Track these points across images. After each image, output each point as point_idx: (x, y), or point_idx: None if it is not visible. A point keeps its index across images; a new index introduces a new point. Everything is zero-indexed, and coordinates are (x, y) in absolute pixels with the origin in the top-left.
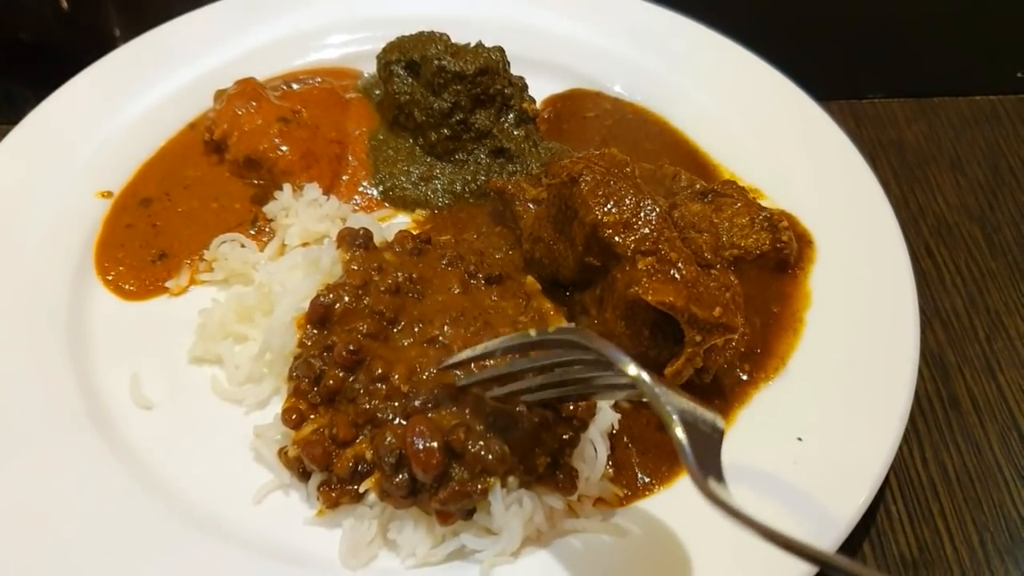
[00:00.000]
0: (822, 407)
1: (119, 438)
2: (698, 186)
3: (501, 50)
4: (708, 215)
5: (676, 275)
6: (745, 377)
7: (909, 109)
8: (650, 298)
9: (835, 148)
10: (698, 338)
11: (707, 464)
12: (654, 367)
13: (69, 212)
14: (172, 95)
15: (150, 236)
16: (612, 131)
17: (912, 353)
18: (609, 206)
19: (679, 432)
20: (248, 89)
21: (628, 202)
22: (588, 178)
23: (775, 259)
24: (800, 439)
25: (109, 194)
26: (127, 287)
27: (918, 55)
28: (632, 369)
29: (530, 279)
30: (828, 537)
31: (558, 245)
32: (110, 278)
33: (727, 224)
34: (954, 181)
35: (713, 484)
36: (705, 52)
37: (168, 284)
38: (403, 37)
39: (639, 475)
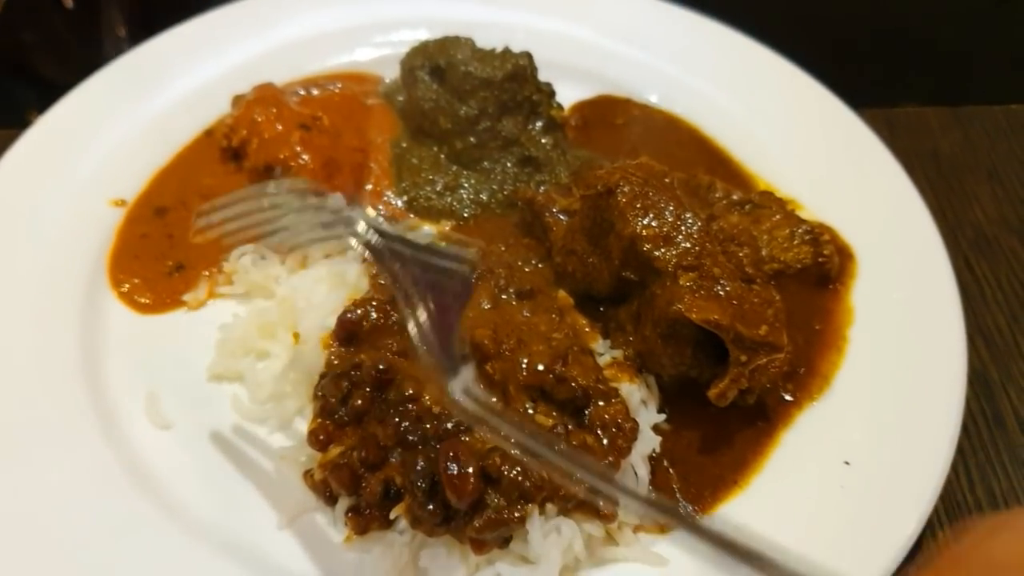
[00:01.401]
0: (869, 429)
1: (134, 459)
2: (735, 197)
3: (529, 55)
4: (747, 227)
5: (720, 292)
6: (789, 398)
7: (944, 118)
8: (694, 316)
9: (873, 158)
10: (743, 358)
11: None
12: (695, 387)
13: (81, 222)
14: (187, 100)
15: (166, 247)
16: (642, 139)
17: (960, 372)
18: (648, 219)
19: None
20: (267, 95)
21: (668, 215)
22: (626, 189)
23: (817, 274)
24: (847, 463)
25: (123, 203)
26: (142, 300)
27: (952, 62)
28: None
29: (562, 293)
30: (876, 567)
31: (592, 259)
32: (124, 290)
33: (766, 237)
34: (991, 192)
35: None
36: (736, 58)
37: (185, 297)
38: (427, 41)
39: (681, 501)
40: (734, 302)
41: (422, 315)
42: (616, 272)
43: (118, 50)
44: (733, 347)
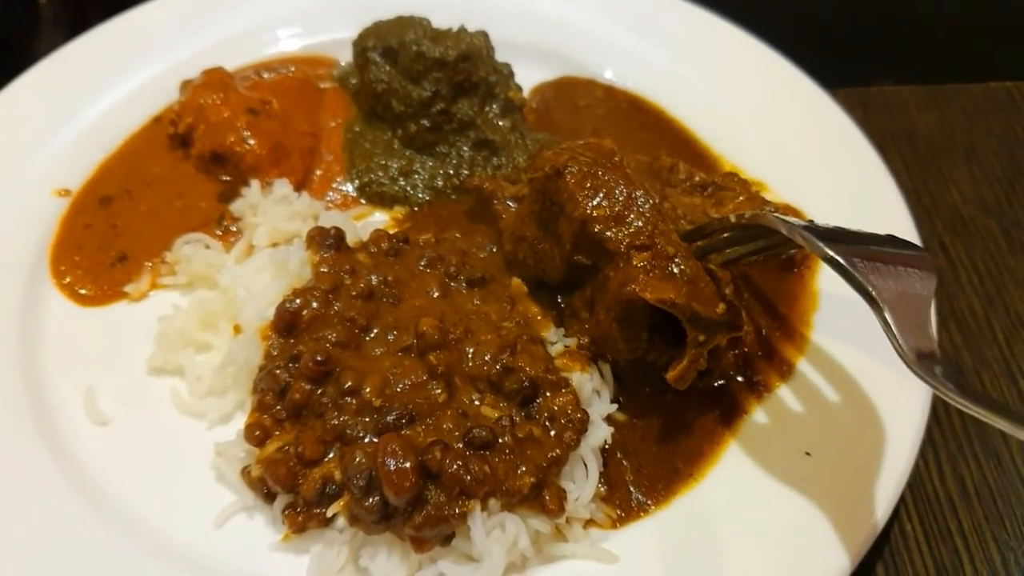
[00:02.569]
0: (832, 418)
1: (70, 456)
2: (697, 178)
3: (485, 35)
4: (706, 209)
5: (675, 270)
6: (749, 385)
7: (920, 96)
8: (648, 296)
9: (844, 138)
10: (701, 338)
11: (916, 337)
12: (653, 371)
13: (23, 212)
14: (136, 87)
15: (109, 237)
16: (605, 121)
17: None
18: (598, 199)
19: (887, 315)
20: (215, 79)
21: (619, 194)
22: (574, 169)
23: (780, 263)
24: (808, 453)
25: (67, 192)
26: (83, 292)
27: (929, 40)
28: (828, 250)
29: (516, 281)
30: (839, 560)
31: (543, 244)
32: (66, 282)
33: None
34: (969, 172)
35: (927, 365)
36: (704, 37)
37: (127, 288)
38: (380, 22)
39: (633, 494)
40: (689, 281)
41: None
42: (568, 257)
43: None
44: (690, 327)
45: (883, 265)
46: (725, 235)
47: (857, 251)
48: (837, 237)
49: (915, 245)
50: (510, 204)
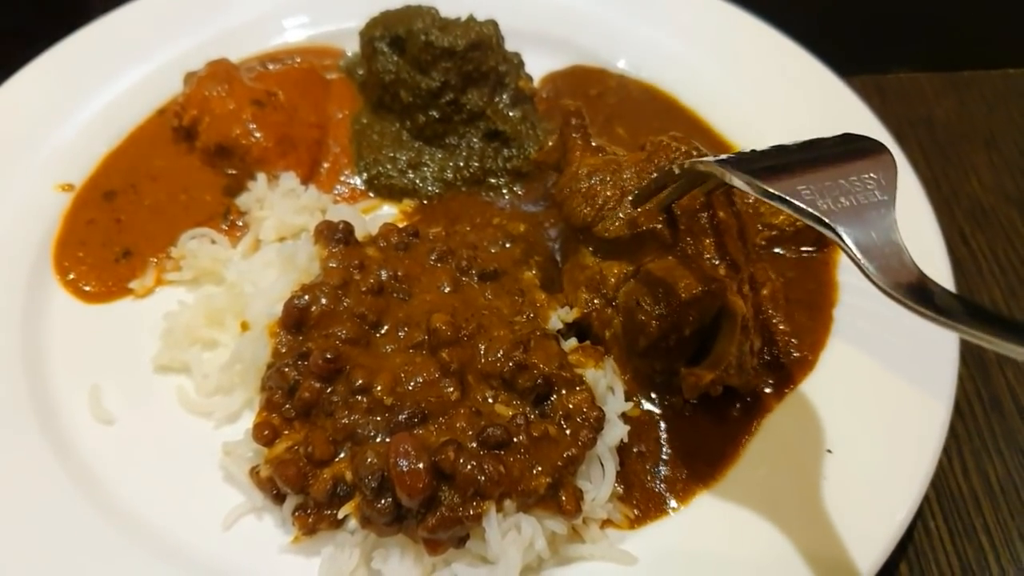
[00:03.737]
0: (854, 415)
1: (75, 456)
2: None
3: (494, 23)
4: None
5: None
6: (772, 381)
7: (938, 83)
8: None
9: (860, 126)
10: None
11: (885, 255)
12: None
13: (26, 207)
14: (140, 79)
15: (113, 232)
16: (617, 110)
17: (953, 352)
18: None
19: (846, 238)
20: (220, 71)
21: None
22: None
23: (813, 235)
24: (831, 451)
25: (70, 187)
26: (87, 288)
27: (947, 26)
28: (766, 187)
29: (528, 274)
30: (863, 560)
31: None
32: (70, 279)
33: (755, 204)
34: (988, 161)
35: (897, 284)
36: (717, 24)
37: (132, 285)
38: (387, 11)
39: (652, 494)
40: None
41: None
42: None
43: None
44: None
45: (831, 179)
46: (675, 186)
47: (800, 172)
48: (778, 162)
49: (872, 141)
50: None
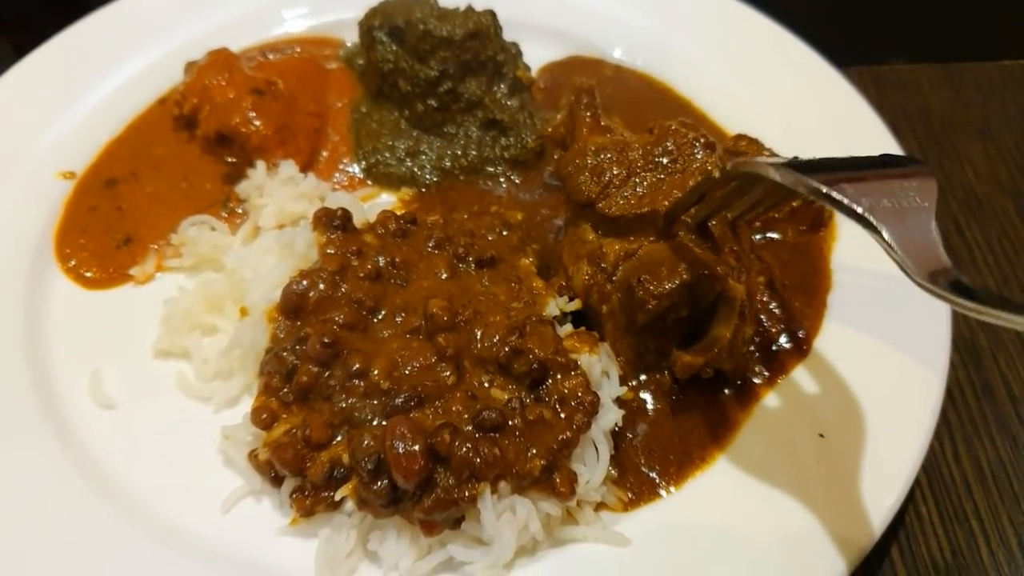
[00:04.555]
0: (846, 400)
1: (76, 440)
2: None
3: (492, 13)
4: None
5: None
6: (764, 367)
7: (934, 74)
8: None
9: (856, 117)
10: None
11: (922, 251)
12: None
13: (28, 194)
14: (141, 68)
15: (115, 220)
16: (614, 99)
17: (944, 338)
18: None
19: (885, 233)
20: (220, 60)
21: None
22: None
23: (809, 215)
24: (822, 435)
25: (72, 175)
26: (88, 275)
27: (943, 17)
28: (811, 182)
29: (524, 261)
30: (854, 543)
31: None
32: (71, 265)
33: None
34: (984, 151)
35: (933, 278)
36: (714, 14)
37: (133, 271)
38: (386, 1)
39: (645, 477)
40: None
41: None
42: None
43: None
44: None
45: (874, 184)
46: (718, 194)
47: (844, 176)
48: (823, 167)
49: (912, 158)
50: None
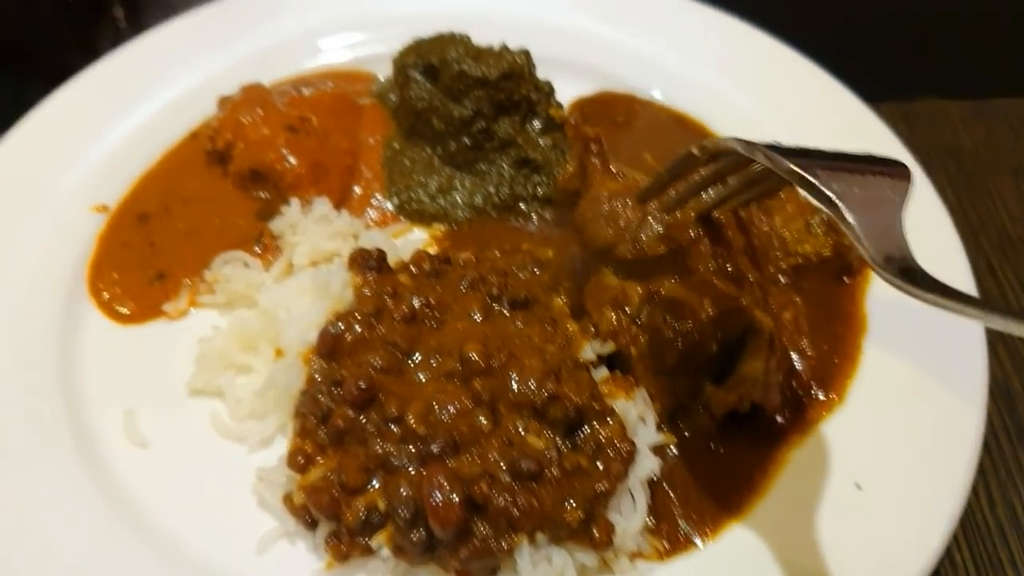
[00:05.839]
0: (882, 449)
1: (110, 479)
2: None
3: (527, 53)
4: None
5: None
6: (796, 413)
7: (966, 111)
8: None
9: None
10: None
11: (881, 238)
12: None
13: (61, 228)
14: (173, 102)
15: (148, 255)
16: (645, 137)
17: (981, 384)
18: None
19: (847, 215)
20: (254, 95)
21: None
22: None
23: (838, 266)
24: (859, 486)
25: (105, 208)
26: (122, 310)
27: (974, 52)
28: (786, 162)
29: (558, 301)
30: None
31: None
32: (104, 300)
33: (781, 232)
34: (1016, 190)
35: (887, 262)
36: (745, 51)
37: (166, 307)
38: (421, 39)
39: (681, 527)
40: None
41: None
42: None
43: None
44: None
45: (849, 174)
46: (697, 179)
47: (821, 164)
48: (801, 153)
49: (895, 160)
50: None
